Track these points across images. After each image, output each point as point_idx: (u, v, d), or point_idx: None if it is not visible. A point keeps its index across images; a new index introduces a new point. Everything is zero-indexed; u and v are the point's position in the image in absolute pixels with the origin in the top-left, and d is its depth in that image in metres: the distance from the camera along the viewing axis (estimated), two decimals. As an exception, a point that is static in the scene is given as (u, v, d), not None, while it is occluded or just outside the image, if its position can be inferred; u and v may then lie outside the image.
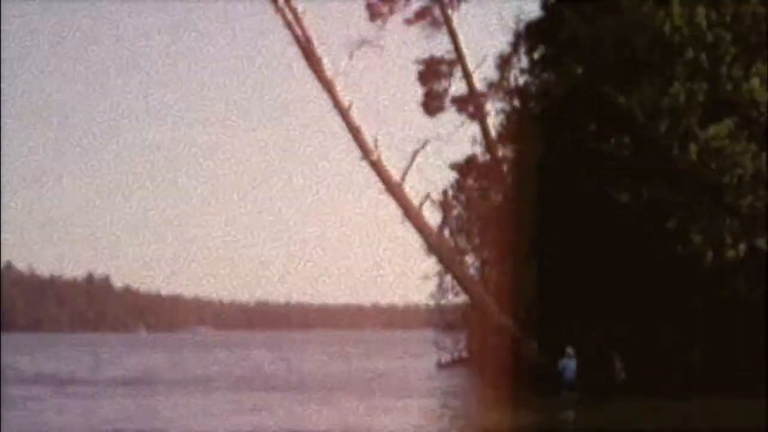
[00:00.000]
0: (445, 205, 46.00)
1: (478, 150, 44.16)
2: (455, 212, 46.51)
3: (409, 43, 45.72)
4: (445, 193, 45.91)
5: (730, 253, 31.96)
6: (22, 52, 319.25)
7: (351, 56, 38.76)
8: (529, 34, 38.88)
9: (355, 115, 38.65)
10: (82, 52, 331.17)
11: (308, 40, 38.28)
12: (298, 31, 38.24)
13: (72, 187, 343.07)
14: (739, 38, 33.22)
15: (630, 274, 32.32)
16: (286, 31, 38.29)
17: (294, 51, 38.34)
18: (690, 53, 33.04)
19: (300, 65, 38.54)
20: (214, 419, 25.94)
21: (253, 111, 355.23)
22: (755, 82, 32.93)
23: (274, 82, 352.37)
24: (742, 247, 32.01)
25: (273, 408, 28.83)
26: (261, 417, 26.19)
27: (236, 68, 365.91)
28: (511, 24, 39.82)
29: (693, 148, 32.37)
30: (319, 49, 38.33)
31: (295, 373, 48.76)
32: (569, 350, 32.13)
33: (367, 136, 38.71)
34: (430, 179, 43.89)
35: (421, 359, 58.10)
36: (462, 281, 41.48)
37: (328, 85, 38.25)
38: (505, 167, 42.70)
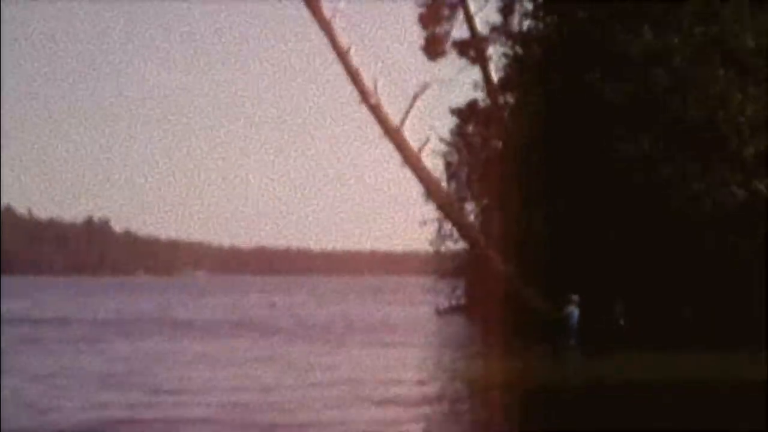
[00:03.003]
0: (445, 151, 45.60)
1: (480, 95, 43.65)
2: (455, 158, 46.04)
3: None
4: (445, 138, 45.51)
5: (728, 199, 31.58)
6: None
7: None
8: (533, -23, 38.15)
9: (354, 58, 38.02)
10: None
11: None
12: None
13: (72, 129, 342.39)
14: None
15: (631, 221, 31.98)
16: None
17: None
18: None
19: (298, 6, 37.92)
20: (211, 367, 25.57)
21: (249, 55, 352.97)
22: (762, 28, 32.38)
23: (269, 25, 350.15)
24: (741, 194, 31.63)
25: (268, 356, 28.52)
26: (258, 366, 25.82)
27: (228, 14, 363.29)
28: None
29: (690, 95, 31.91)
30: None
31: (292, 320, 48.56)
32: (574, 297, 31.90)
33: (367, 80, 38.11)
34: (430, 124, 43.47)
35: (420, 306, 57.93)
36: (461, 228, 41.12)
37: (326, 27, 37.57)
38: (506, 113, 42.18)
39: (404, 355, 29.66)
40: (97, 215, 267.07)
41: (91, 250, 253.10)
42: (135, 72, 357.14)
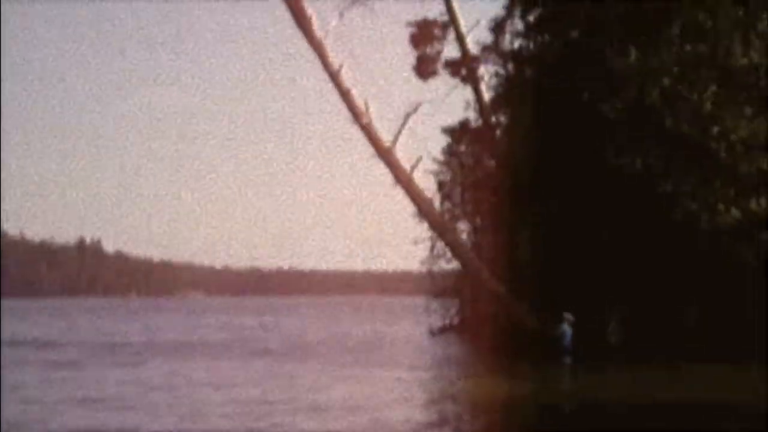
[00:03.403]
0: (437, 170, 45.59)
1: (472, 114, 43.65)
2: (447, 177, 46.01)
3: (401, 5, 45.04)
4: (437, 158, 45.56)
5: (725, 218, 31.53)
6: (23, 7, 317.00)
7: (341, 17, 38.07)
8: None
9: (346, 78, 37.96)
10: (84, 12, 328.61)
11: None
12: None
13: (63, 151, 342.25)
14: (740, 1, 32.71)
15: (625, 239, 31.90)
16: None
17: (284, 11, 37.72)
18: (689, 14, 32.49)
19: (289, 25, 37.87)
20: (202, 390, 25.36)
21: (241, 75, 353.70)
22: (754, 45, 32.42)
23: (262, 45, 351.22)
24: (736, 211, 31.60)
25: (261, 378, 28.34)
26: (251, 388, 25.62)
27: (224, 33, 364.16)
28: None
29: (684, 113, 31.90)
30: (309, 9, 37.61)
31: (286, 341, 48.37)
32: (568, 316, 31.81)
33: (358, 100, 38.05)
34: (422, 144, 43.43)
35: (414, 325, 57.75)
36: (454, 247, 41.00)
37: (317, 46, 37.52)
38: (498, 132, 42.17)
39: (397, 375, 29.45)
40: (89, 237, 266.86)
41: (84, 272, 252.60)
42: (128, 90, 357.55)
